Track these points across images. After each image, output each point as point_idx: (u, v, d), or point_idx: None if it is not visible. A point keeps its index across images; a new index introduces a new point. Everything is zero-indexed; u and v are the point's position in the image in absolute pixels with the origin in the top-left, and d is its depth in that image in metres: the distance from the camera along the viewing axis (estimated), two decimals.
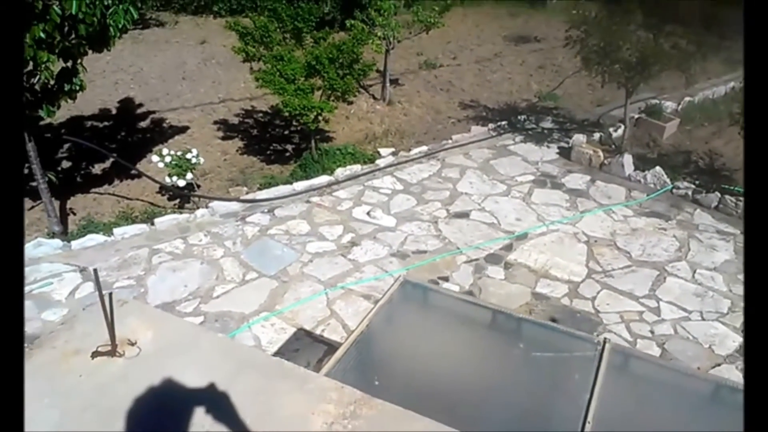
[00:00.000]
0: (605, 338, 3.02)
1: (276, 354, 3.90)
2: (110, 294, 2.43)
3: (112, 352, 2.25)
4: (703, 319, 5.31)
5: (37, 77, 5.29)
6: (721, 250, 6.33)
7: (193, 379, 2.12)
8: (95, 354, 2.24)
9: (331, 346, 3.82)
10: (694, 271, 5.98)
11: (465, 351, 3.22)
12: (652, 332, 5.13)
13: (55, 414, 2.00)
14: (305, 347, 4.16)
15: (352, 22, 8.48)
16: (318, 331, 4.91)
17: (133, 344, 2.29)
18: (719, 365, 4.75)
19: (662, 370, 3.19)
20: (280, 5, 8.29)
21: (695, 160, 8.49)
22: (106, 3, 5.23)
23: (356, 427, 1.98)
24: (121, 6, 5.38)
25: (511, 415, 2.73)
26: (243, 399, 2.05)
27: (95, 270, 2.31)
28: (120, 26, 5.43)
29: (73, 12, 4.91)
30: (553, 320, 4.88)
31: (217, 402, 2.04)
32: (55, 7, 4.90)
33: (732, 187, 7.33)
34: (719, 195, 7.15)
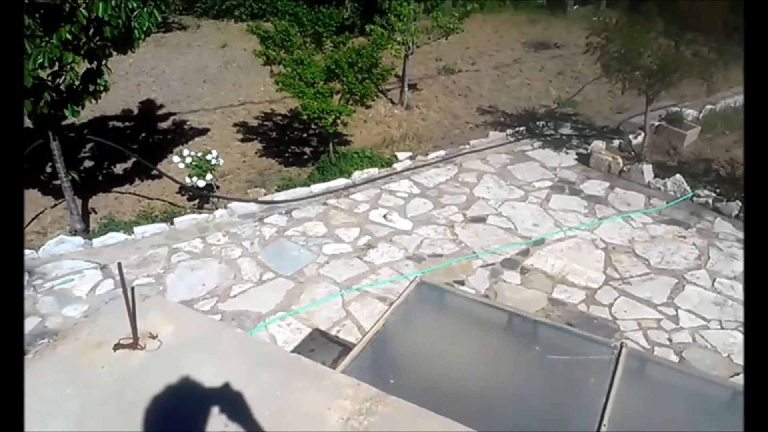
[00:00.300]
0: (622, 342, 3.01)
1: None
2: (132, 288, 2.47)
3: (134, 345, 2.28)
4: (722, 328, 5.25)
5: (63, 78, 5.40)
6: (741, 258, 6.24)
7: (212, 373, 2.15)
8: (117, 346, 2.28)
9: (346, 347, 3.84)
10: (714, 280, 5.92)
11: (480, 352, 3.22)
12: (669, 340, 5.08)
13: (77, 404, 2.04)
14: (320, 347, 4.19)
15: (372, 27, 8.51)
16: (333, 332, 4.94)
17: (154, 338, 2.33)
18: (738, 374, 4.69)
19: (679, 375, 3.16)
20: (301, 10, 8.37)
21: (716, 168, 8.39)
22: (130, 6, 5.32)
23: (372, 424, 1.99)
24: (145, 9, 5.47)
25: (526, 416, 2.73)
26: (261, 394, 2.08)
27: (119, 264, 2.36)
28: (144, 29, 5.51)
29: (100, 15, 5.01)
30: (570, 326, 4.85)
31: (235, 396, 2.06)
32: (81, 9, 5.00)
33: None
34: (740, 204, 7.07)
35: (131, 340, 2.29)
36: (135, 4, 5.37)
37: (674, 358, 4.82)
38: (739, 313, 5.43)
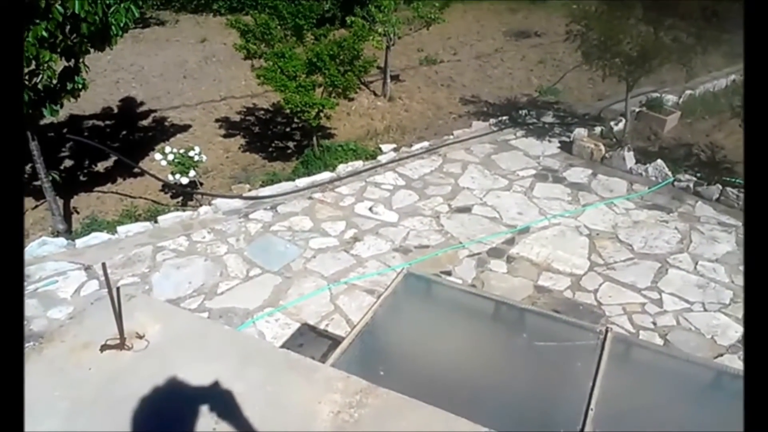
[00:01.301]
0: (607, 327, 3.05)
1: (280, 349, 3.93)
2: (118, 288, 2.45)
3: (121, 346, 2.27)
4: (705, 310, 5.34)
5: (40, 76, 5.29)
6: (722, 241, 6.36)
7: (200, 370, 2.14)
8: (104, 347, 2.27)
9: (335, 341, 3.84)
10: (696, 263, 6.01)
11: (469, 341, 3.25)
12: (654, 324, 5.16)
13: (65, 405, 2.03)
14: (309, 342, 4.17)
15: (353, 18, 8.45)
16: (322, 326, 4.94)
17: (141, 337, 2.32)
18: (721, 355, 4.78)
19: (664, 358, 3.22)
20: (280, 3, 8.29)
21: (696, 152, 8.50)
22: (107, 2, 5.22)
23: (362, 416, 2.00)
24: (122, 4, 5.38)
25: (515, 402, 2.76)
26: (250, 390, 2.08)
27: (104, 264, 2.34)
28: (121, 25, 5.42)
29: (76, 11, 4.91)
30: (556, 312, 4.90)
31: (224, 393, 2.06)
32: (57, 5, 4.90)
33: (733, 179, 7.34)
34: (720, 187, 7.17)
35: (118, 341, 2.27)
36: (112, 0, 5.27)
37: (659, 341, 4.90)
38: (722, 295, 5.52)
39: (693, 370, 3.01)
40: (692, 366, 3.06)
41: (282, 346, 4.28)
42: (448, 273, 5.72)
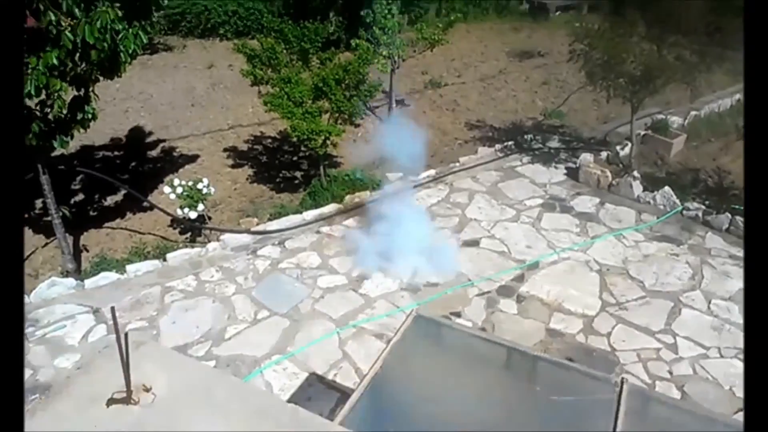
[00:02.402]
0: (623, 378, 3.01)
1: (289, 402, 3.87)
2: (126, 335, 2.43)
3: (128, 400, 2.24)
4: (722, 356, 5.21)
5: (51, 107, 5.23)
6: (734, 276, 6.22)
7: (208, 427, 2.12)
8: (110, 401, 2.24)
9: (344, 394, 3.80)
10: (709, 302, 5.89)
11: (481, 393, 3.20)
12: (670, 373, 5.03)
13: None
14: (318, 394, 4.12)
15: (357, 41, 8.43)
16: (330, 375, 4.86)
17: (148, 390, 2.29)
18: (741, 410, 4.56)
19: (682, 414, 3.16)
20: (286, 26, 8.30)
21: (704, 178, 8.40)
22: (117, 28, 5.13)
23: None
24: (130, 30, 5.32)
25: None
26: None
27: (113, 308, 2.30)
28: (130, 51, 5.37)
29: (87, 38, 4.83)
30: (570, 360, 4.80)
31: None
32: (67, 32, 4.84)
33: (742, 208, 7.25)
34: (729, 216, 7.09)
35: (125, 394, 2.25)
36: (120, 26, 5.19)
37: (676, 393, 4.77)
38: (737, 339, 5.38)
39: (712, 428, 2.95)
40: (711, 423, 3.00)
41: (290, 400, 4.25)
42: (458, 314, 5.63)
